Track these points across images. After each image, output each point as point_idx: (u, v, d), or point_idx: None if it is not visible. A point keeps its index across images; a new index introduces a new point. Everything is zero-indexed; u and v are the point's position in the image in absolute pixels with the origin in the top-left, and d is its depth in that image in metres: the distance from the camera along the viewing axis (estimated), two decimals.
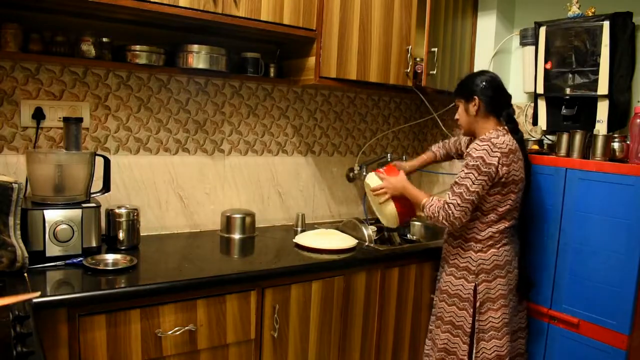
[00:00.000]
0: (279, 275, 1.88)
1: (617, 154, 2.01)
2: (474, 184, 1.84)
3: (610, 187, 1.90)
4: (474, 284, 1.95)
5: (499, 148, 1.85)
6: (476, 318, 1.95)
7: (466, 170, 1.86)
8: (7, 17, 1.80)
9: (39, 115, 1.95)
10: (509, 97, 2.02)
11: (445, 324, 2.04)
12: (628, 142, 1.96)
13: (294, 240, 2.22)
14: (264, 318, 1.86)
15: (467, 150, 1.91)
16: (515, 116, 2.07)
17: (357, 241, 2.23)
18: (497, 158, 1.83)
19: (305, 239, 2.18)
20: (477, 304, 1.94)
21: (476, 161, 1.84)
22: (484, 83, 1.94)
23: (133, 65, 1.97)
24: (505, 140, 1.89)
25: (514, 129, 1.96)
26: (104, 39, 1.94)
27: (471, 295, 1.95)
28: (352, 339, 2.14)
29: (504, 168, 1.85)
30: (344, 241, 2.18)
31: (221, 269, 1.85)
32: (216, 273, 1.76)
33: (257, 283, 1.83)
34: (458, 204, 1.86)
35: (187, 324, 1.68)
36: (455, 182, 1.89)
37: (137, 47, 1.95)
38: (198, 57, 2.02)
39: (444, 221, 1.89)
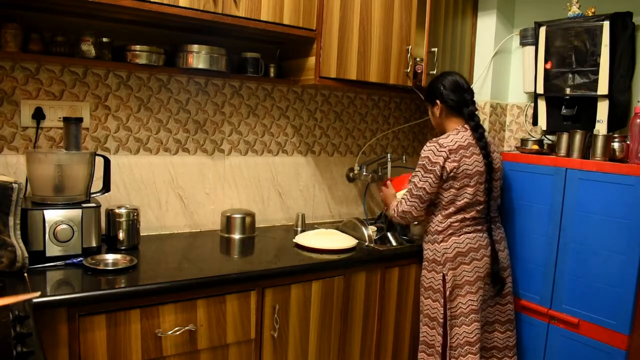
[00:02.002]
0: (279, 275, 1.88)
1: (617, 154, 2.01)
2: (420, 181, 2.01)
3: (610, 187, 1.90)
4: (442, 274, 2.02)
5: (445, 147, 1.98)
6: (447, 306, 2.02)
7: (416, 169, 2.05)
8: (7, 17, 1.80)
9: (39, 115, 1.95)
10: (471, 94, 2.10)
11: (424, 317, 2.11)
12: (628, 142, 1.96)
13: (294, 240, 2.22)
14: (264, 318, 1.86)
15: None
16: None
17: (357, 241, 2.23)
18: (442, 158, 1.97)
19: (305, 239, 2.18)
20: (447, 292, 2.01)
21: (423, 161, 2.02)
22: (443, 87, 2.07)
23: (133, 65, 1.97)
24: (456, 138, 2.00)
25: (475, 127, 2.04)
26: (104, 39, 1.94)
27: (441, 285, 2.02)
28: (352, 339, 2.14)
29: (452, 164, 1.97)
30: (344, 241, 2.18)
31: (221, 269, 1.85)
32: (216, 273, 1.76)
33: (257, 283, 1.83)
34: (408, 199, 2.06)
35: (187, 324, 1.68)
36: (409, 180, 2.11)
37: (137, 47, 1.95)
38: (198, 57, 2.02)
39: (398, 217, 2.11)
